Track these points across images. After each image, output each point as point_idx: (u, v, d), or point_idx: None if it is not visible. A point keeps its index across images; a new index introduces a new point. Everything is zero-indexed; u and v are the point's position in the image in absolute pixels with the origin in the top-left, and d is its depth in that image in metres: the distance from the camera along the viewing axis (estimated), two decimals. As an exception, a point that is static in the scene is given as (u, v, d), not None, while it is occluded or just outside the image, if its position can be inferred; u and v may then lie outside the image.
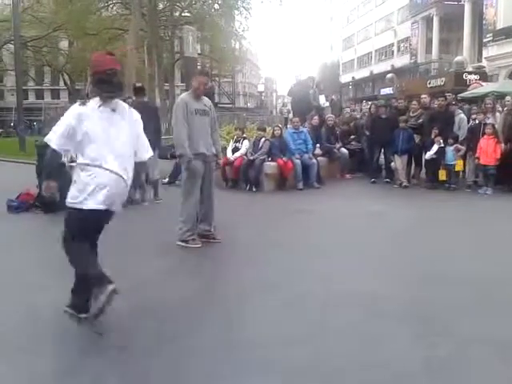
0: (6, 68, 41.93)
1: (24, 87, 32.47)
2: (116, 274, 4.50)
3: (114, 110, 3.40)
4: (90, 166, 3.28)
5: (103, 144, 3.29)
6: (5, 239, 6.02)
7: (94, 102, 3.33)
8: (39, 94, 55.92)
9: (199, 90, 5.45)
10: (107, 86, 3.33)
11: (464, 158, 9.56)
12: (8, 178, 11.23)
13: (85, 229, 3.39)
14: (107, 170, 3.29)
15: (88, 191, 3.26)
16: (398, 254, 5.26)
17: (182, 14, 29.62)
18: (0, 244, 5.77)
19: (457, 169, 9.40)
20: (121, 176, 3.36)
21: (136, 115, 3.63)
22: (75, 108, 3.32)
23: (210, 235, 5.65)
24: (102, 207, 3.31)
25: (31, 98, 52.88)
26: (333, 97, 16.72)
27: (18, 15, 21.22)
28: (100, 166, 3.27)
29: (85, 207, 3.27)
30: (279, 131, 10.02)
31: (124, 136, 3.42)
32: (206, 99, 5.61)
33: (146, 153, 3.70)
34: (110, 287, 3.13)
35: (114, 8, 29.76)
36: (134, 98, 8.58)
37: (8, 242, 5.85)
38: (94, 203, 3.27)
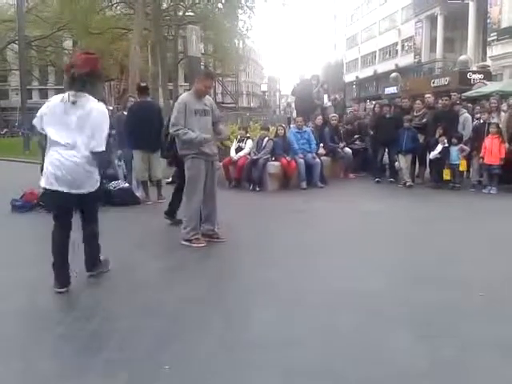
0: (10, 68, 42.13)
1: (28, 87, 32.53)
2: (119, 273, 4.53)
3: (73, 103, 3.93)
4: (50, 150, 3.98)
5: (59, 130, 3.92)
6: (9, 238, 6.04)
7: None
8: (43, 94, 55.96)
9: (202, 91, 5.45)
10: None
11: (468, 157, 9.53)
12: (12, 178, 11.27)
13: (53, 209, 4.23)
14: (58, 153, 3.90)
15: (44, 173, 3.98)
16: (402, 253, 5.25)
17: (186, 14, 29.64)
18: (4, 243, 5.79)
19: (461, 169, 9.38)
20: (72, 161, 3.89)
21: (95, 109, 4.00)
22: None
23: (213, 235, 5.64)
24: (51, 188, 3.93)
25: (35, 98, 52.93)
26: (336, 96, 16.70)
27: (22, 15, 21.31)
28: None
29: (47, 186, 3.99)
30: (283, 131, 10.01)
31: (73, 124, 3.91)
32: (207, 98, 5.59)
33: (97, 146, 3.96)
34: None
35: (118, 7, 29.80)
36: (137, 98, 8.63)
37: (12, 241, 5.87)
38: (45, 183, 3.97)
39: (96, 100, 4.06)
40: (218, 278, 4.52)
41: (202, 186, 5.44)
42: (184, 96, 5.62)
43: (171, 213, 6.51)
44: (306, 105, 11.83)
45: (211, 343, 3.15)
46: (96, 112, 3.97)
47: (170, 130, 5.50)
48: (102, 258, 4.44)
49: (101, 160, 4.08)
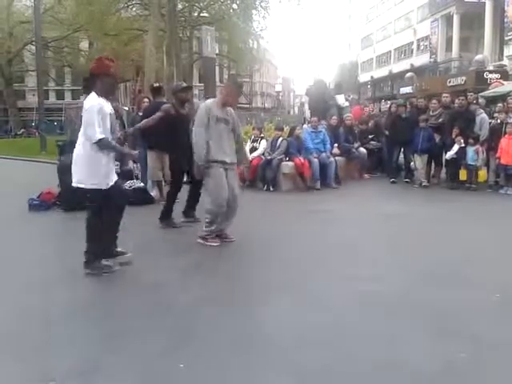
0: (27, 68, 42.64)
1: (45, 87, 32.90)
2: (133, 273, 4.56)
3: None
4: None
5: None
6: (26, 237, 6.11)
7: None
8: (60, 95, 56.60)
9: (227, 101, 5.51)
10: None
11: (487, 161, 9.42)
12: (29, 178, 11.41)
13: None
14: None
15: None
16: (418, 254, 5.20)
17: (201, 15, 29.80)
18: (21, 241, 5.86)
19: (479, 179, 9.24)
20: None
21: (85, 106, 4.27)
22: None
23: (222, 234, 5.64)
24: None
25: (52, 99, 53.55)
26: (351, 96, 16.62)
27: (39, 16, 21.53)
28: None
29: None
30: (300, 131, 10.01)
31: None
32: (230, 110, 5.61)
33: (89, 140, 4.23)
34: None
35: (134, 9, 30.05)
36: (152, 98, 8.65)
37: (29, 240, 5.94)
38: None
39: (94, 96, 4.26)
40: (233, 278, 4.53)
41: (224, 188, 5.43)
42: (208, 102, 5.68)
43: (188, 208, 6.57)
44: (319, 105, 11.79)
45: (226, 342, 3.16)
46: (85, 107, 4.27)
47: (192, 136, 5.53)
48: (103, 262, 4.49)
49: (104, 148, 4.26)
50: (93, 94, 4.28)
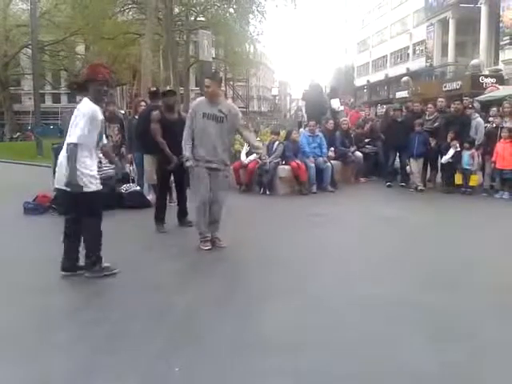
0: (23, 72, 42.60)
1: (41, 91, 32.82)
2: (130, 275, 4.55)
3: None
4: None
5: None
6: (21, 240, 6.09)
7: None
8: (56, 98, 56.53)
9: (206, 93, 5.43)
10: None
11: (482, 165, 9.46)
12: (25, 181, 11.37)
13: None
14: None
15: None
16: (415, 258, 5.21)
17: (197, 19, 29.82)
18: (16, 245, 5.84)
19: (471, 183, 9.26)
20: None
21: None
22: None
23: (213, 239, 5.57)
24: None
25: (48, 102, 53.47)
26: (351, 100, 16.67)
27: (35, 20, 21.52)
28: None
29: None
30: (297, 135, 10.04)
31: None
32: (226, 105, 5.53)
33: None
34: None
35: (130, 13, 30.07)
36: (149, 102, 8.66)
37: (24, 243, 5.92)
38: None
39: (88, 102, 4.31)
40: (230, 281, 4.53)
41: (206, 190, 5.38)
42: (198, 99, 5.67)
43: (179, 215, 6.59)
44: (315, 109, 11.80)
45: (222, 345, 3.16)
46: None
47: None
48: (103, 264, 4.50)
49: (70, 153, 4.20)
50: (86, 100, 4.34)
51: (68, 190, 4.27)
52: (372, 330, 3.39)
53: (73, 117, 4.31)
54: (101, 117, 4.38)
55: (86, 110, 4.25)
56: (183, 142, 5.41)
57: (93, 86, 4.37)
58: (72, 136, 4.19)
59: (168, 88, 7.21)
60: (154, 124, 6.39)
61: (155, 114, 6.47)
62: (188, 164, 5.38)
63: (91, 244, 4.45)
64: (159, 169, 6.54)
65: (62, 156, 4.34)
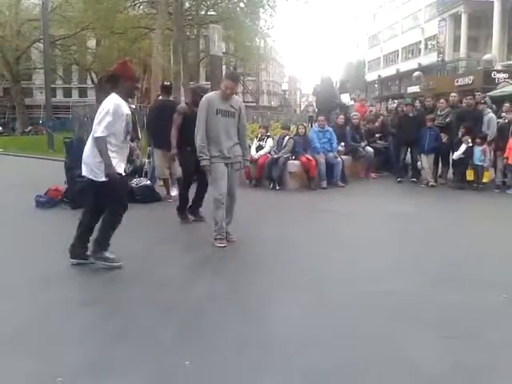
0: (35, 66, 42.78)
1: (52, 85, 32.99)
2: (140, 270, 4.58)
3: None
4: None
5: None
6: (33, 233, 6.14)
7: None
8: (67, 92, 56.82)
9: (223, 92, 5.41)
10: None
11: (494, 161, 9.39)
12: (37, 175, 11.46)
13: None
14: None
15: None
16: (426, 254, 5.19)
17: (208, 13, 29.74)
18: (28, 238, 5.89)
19: (484, 180, 9.19)
20: None
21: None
22: None
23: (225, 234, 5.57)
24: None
25: (59, 96, 53.75)
26: (360, 95, 16.58)
27: (46, 14, 21.62)
28: None
29: None
30: (303, 129, 9.99)
31: None
32: (236, 101, 5.53)
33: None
34: None
35: (141, 7, 30.07)
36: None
37: (35, 236, 5.97)
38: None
39: (114, 96, 4.40)
40: (239, 276, 4.54)
41: (224, 184, 5.40)
42: (209, 95, 5.63)
43: (192, 209, 6.60)
44: (326, 104, 11.77)
45: (231, 340, 3.17)
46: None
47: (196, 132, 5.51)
48: (106, 254, 4.58)
49: (98, 146, 4.32)
50: (113, 95, 4.42)
51: (94, 179, 4.39)
52: (379, 327, 3.37)
53: (97, 112, 4.39)
54: (126, 111, 4.45)
55: (109, 105, 4.34)
56: (199, 138, 5.35)
57: (123, 82, 4.48)
58: (98, 131, 4.28)
59: (206, 86, 7.24)
60: (178, 116, 6.45)
61: (183, 106, 6.63)
62: (204, 163, 5.37)
63: (107, 229, 4.55)
64: (183, 163, 6.54)
65: (89, 148, 4.44)
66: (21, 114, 41.34)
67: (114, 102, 4.37)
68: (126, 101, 4.55)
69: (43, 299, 3.87)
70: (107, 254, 4.56)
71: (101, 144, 4.30)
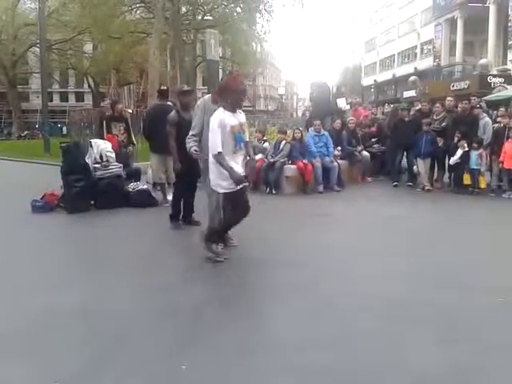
0: (31, 71, 42.82)
1: (49, 90, 33.00)
2: (137, 274, 4.57)
3: None
4: None
5: None
6: (29, 238, 6.13)
7: None
8: (64, 97, 56.83)
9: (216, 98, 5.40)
10: None
11: (489, 165, 9.43)
12: (33, 179, 11.44)
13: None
14: None
15: None
16: (422, 258, 5.20)
17: (205, 18, 29.81)
18: (24, 243, 5.88)
19: (481, 186, 9.22)
20: None
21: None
22: None
23: (227, 238, 5.55)
24: None
25: (56, 101, 53.75)
26: (357, 99, 16.64)
27: (43, 19, 21.61)
28: None
29: None
30: (300, 134, 10.01)
31: None
32: None
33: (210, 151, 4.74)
34: None
35: (138, 12, 30.13)
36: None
37: (32, 241, 5.95)
38: None
39: (221, 110, 4.72)
40: (236, 281, 4.53)
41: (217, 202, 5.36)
42: (206, 97, 5.63)
43: (186, 214, 6.59)
44: (321, 109, 11.77)
45: (229, 344, 3.16)
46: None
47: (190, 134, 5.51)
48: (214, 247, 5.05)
49: (218, 162, 4.67)
50: (219, 110, 4.73)
51: (221, 191, 4.82)
52: (378, 330, 3.38)
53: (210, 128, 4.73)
54: (231, 122, 4.69)
55: (214, 122, 4.65)
56: (190, 133, 5.36)
57: (233, 95, 4.76)
58: (213, 148, 4.62)
59: (186, 88, 7.16)
60: (170, 127, 6.27)
61: (172, 116, 6.35)
62: (193, 150, 5.36)
63: (223, 226, 5.08)
64: (175, 168, 6.51)
65: (212, 164, 4.77)
66: (17, 118, 41.31)
67: (218, 117, 4.65)
68: (234, 111, 4.79)
69: (38, 304, 3.85)
70: (215, 249, 4.99)
71: (219, 159, 4.62)
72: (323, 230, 6.53)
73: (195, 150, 5.34)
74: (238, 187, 4.73)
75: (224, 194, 4.83)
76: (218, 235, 5.10)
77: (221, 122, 4.63)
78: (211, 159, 4.75)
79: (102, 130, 9.28)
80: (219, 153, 4.60)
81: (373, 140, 11.52)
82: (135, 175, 8.89)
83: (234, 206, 4.91)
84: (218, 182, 4.78)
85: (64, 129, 39.58)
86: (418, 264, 4.97)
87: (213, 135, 4.62)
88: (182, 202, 6.58)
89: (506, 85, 22.01)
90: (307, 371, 2.84)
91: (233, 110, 4.77)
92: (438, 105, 10.45)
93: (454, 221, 7.10)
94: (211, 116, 5.29)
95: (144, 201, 7.95)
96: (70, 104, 50.64)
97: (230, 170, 4.62)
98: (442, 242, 5.88)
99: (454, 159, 9.39)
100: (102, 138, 8.88)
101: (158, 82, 18.43)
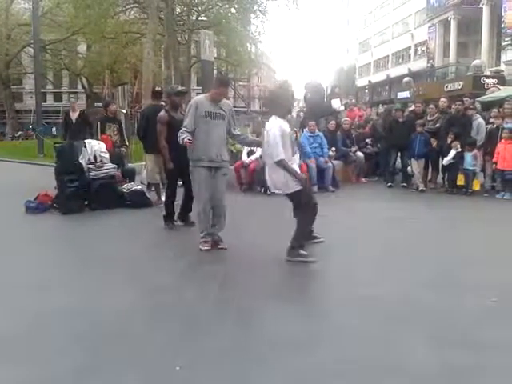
0: (25, 71, 42.62)
1: (43, 90, 32.91)
2: (131, 275, 4.56)
3: None
4: None
5: None
6: (22, 239, 6.10)
7: None
8: (57, 97, 56.60)
9: (215, 98, 5.40)
10: None
11: (483, 166, 9.47)
12: (27, 180, 11.39)
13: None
14: None
15: None
16: (417, 258, 5.21)
17: (199, 18, 29.78)
18: (18, 244, 5.85)
19: (474, 188, 9.25)
20: None
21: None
22: None
23: (215, 240, 5.56)
24: None
25: (49, 101, 53.56)
26: (353, 99, 16.65)
27: (37, 19, 21.51)
28: None
29: None
30: (295, 135, 10.00)
31: None
32: (225, 103, 5.52)
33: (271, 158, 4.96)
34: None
35: (132, 12, 30.03)
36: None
37: (25, 242, 5.93)
38: None
39: (274, 118, 4.95)
40: (230, 281, 4.53)
41: (206, 194, 5.39)
42: (197, 97, 5.62)
43: (182, 215, 6.58)
44: (315, 110, 11.78)
45: (223, 344, 3.17)
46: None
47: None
48: (301, 251, 5.07)
49: (281, 167, 4.89)
50: (273, 118, 4.94)
51: (289, 192, 5.01)
52: (372, 330, 3.39)
53: (265, 136, 4.96)
54: (287, 129, 4.95)
55: (275, 130, 4.82)
56: (181, 130, 5.31)
57: (283, 104, 5.04)
58: (276, 155, 4.79)
59: (180, 88, 7.15)
60: (161, 126, 6.25)
61: (162, 115, 6.31)
62: (188, 141, 5.25)
63: (303, 227, 5.15)
64: (167, 170, 6.48)
65: (272, 171, 5.00)
66: (11, 119, 41.10)
67: (277, 126, 4.85)
68: (284, 118, 5.01)
69: (32, 305, 3.85)
70: (302, 252, 5.00)
71: (283, 165, 4.83)
72: (317, 229, 6.51)
73: (188, 139, 5.22)
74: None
75: (300, 191, 4.96)
76: (302, 237, 5.18)
77: (282, 130, 4.83)
78: (271, 166, 4.94)
79: (96, 130, 9.28)
80: (281, 160, 4.79)
81: (367, 141, 11.54)
82: (130, 175, 8.88)
83: (307, 203, 5.10)
84: (289, 182, 4.93)
85: (53, 129, 39.61)
86: (411, 264, 4.98)
87: (276, 144, 4.78)
88: (176, 203, 6.57)
89: (499, 86, 22.08)
90: (302, 371, 2.84)
91: (283, 117, 5.01)
92: (431, 106, 10.50)
93: (448, 221, 7.12)
94: (202, 115, 5.30)
95: (138, 201, 7.93)
96: (64, 104, 50.37)
97: (295, 173, 4.90)
98: (435, 242, 5.90)
99: (446, 159, 9.43)
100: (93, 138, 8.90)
101: (152, 83, 18.37)
